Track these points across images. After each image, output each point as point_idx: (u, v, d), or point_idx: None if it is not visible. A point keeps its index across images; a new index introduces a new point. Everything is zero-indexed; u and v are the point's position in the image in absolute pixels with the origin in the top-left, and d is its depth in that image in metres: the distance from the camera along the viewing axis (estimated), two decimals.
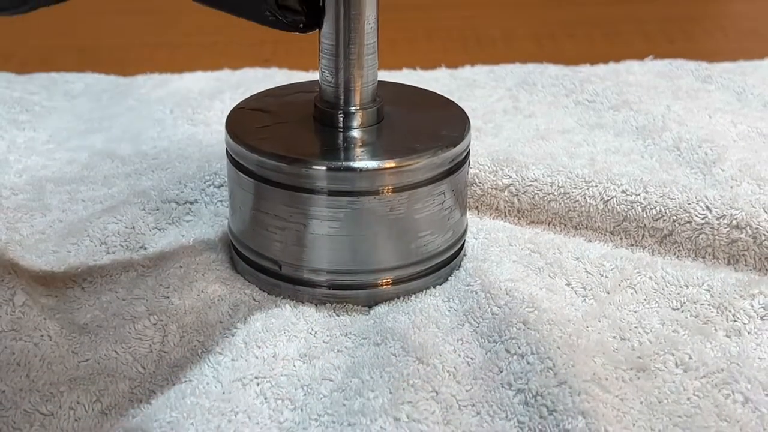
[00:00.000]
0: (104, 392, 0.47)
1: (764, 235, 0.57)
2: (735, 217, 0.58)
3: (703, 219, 0.59)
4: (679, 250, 0.59)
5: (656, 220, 0.60)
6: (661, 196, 0.60)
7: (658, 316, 0.53)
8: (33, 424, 0.45)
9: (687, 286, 0.55)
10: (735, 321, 0.52)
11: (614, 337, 0.51)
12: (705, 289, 0.54)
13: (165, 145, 0.73)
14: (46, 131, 0.77)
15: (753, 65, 0.89)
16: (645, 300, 0.54)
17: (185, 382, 0.48)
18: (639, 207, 0.60)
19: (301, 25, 0.53)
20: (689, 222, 0.59)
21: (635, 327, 0.52)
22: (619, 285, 0.55)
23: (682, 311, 0.53)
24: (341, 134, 0.54)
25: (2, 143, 0.74)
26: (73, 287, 0.55)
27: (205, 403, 0.46)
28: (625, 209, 0.60)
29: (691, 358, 0.49)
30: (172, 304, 0.53)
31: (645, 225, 0.60)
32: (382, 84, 0.56)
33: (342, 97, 0.54)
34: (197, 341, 0.51)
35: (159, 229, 0.61)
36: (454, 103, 0.59)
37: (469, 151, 0.56)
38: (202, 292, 0.54)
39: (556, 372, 0.46)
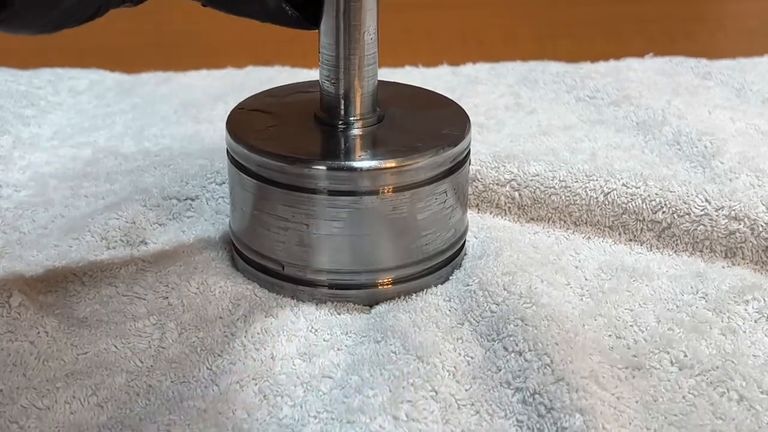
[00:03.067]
0: (100, 386, 0.48)
1: (762, 226, 0.58)
2: (733, 208, 0.59)
3: (702, 210, 0.59)
4: (676, 244, 0.60)
5: (655, 212, 0.60)
6: (660, 189, 0.60)
7: (653, 315, 0.53)
8: (29, 417, 0.45)
9: (683, 294, 0.55)
10: (730, 321, 0.52)
11: (610, 335, 0.51)
12: (700, 297, 0.55)
13: (168, 143, 0.74)
14: (50, 127, 0.78)
15: (752, 62, 0.89)
16: (641, 300, 0.54)
17: (183, 382, 0.48)
18: (639, 199, 0.60)
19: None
20: (688, 214, 0.59)
21: (630, 325, 0.52)
22: (616, 290, 0.55)
23: (678, 312, 0.53)
24: (342, 134, 0.54)
25: (8, 138, 0.75)
26: (74, 281, 0.55)
27: (202, 405, 0.46)
28: (626, 201, 0.61)
29: (686, 356, 0.49)
30: (171, 300, 0.54)
31: (644, 218, 0.60)
32: (383, 83, 0.56)
33: (342, 107, 0.54)
34: (196, 337, 0.51)
35: (160, 225, 0.61)
36: (454, 102, 0.59)
37: (470, 150, 0.56)
38: (202, 285, 0.55)
39: (554, 369, 0.46)
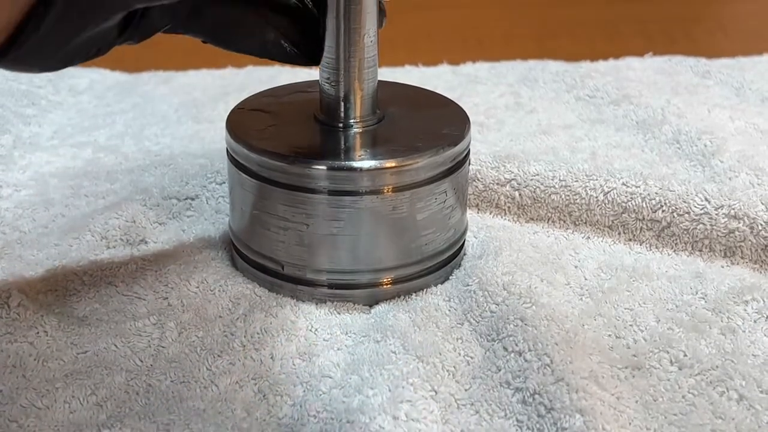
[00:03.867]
0: (99, 385, 0.48)
1: (761, 225, 0.58)
2: (733, 207, 0.59)
3: (701, 209, 0.59)
4: (676, 244, 0.60)
5: (655, 211, 0.60)
6: (660, 188, 0.60)
7: (653, 315, 0.53)
8: (29, 417, 0.46)
9: (683, 294, 0.55)
10: (729, 321, 0.52)
11: (609, 335, 0.51)
12: (700, 297, 0.55)
13: (168, 142, 0.74)
14: (51, 127, 0.78)
15: (751, 61, 0.89)
16: (641, 299, 0.54)
17: (183, 381, 0.48)
18: (639, 198, 0.61)
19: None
20: (688, 212, 0.59)
21: (630, 325, 0.52)
22: (615, 289, 0.55)
23: (678, 311, 0.53)
24: (342, 134, 0.54)
25: (8, 138, 0.75)
26: (74, 280, 0.55)
27: (201, 405, 0.46)
28: (625, 200, 0.61)
29: (685, 355, 0.49)
30: (171, 299, 0.54)
31: (644, 217, 0.60)
32: (382, 84, 0.56)
33: (342, 109, 0.54)
34: (196, 337, 0.51)
35: (160, 224, 0.61)
36: (453, 102, 0.59)
37: (469, 150, 0.56)
38: (202, 284, 0.55)
39: (554, 369, 0.46)
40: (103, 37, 0.43)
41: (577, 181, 0.62)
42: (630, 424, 0.45)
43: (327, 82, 0.54)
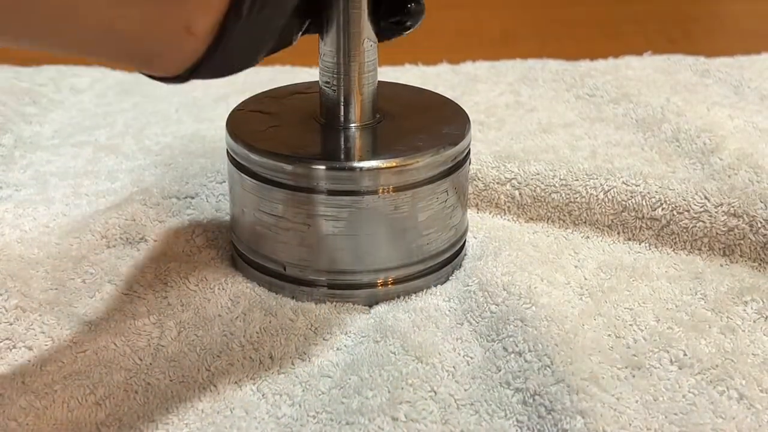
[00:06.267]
0: (98, 384, 0.48)
1: (760, 223, 0.58)
2: (732, 205, 0.59)
3: (701, 207, 0.59)
4: (675, 242, 0.60)
5: (655, 209, 0.60)
6: (660, 187, 0.61)
7: (653, 314, 0.53)
8: (28, 415, 0.46)
9: (682, 293, 0.55)
10: (729, 320, 0.52)
11: (609, 335, 0.51)
12: (699, 297, 0.55)
13: (168, 142, 0.74)
14: (52, 126, 0.78)
15: (750, 60, 0.89)
16: (641, 299, 0.54)
17: (182, 381, 0.48)
18: (639, 196, 0.61)
19: None
20: (687, 210, 0.59)
21: (630, 325, 0.52)
22: (615, 289, 0.55)
23: (678, 311, 0.53)
24: (342, 134, 0.54)
25: (10, 137, 0.75)
26: (74, 279, 0.56)
27: (199, 406, 0.46)
28: (626, 198, 0.61)
29: (686, 354, 0.49)
30: (170, 299, 0.54)
31: (644, 215, 0.60)
32: (382, 84, 0.56)
33: (342, 112, 0.54)
34: (195, 336, 0.51)
35: (160, 222, 0.61)
36: (453, 102, 0.59)
37: (470, 149, 0.56)
38: (201, 283, 0.55)
39: (554, 370, 0.46)
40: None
41: (577, 180, 0.62)
42: (630, 425, 0.45)
43: (327, 86, 0.54)
